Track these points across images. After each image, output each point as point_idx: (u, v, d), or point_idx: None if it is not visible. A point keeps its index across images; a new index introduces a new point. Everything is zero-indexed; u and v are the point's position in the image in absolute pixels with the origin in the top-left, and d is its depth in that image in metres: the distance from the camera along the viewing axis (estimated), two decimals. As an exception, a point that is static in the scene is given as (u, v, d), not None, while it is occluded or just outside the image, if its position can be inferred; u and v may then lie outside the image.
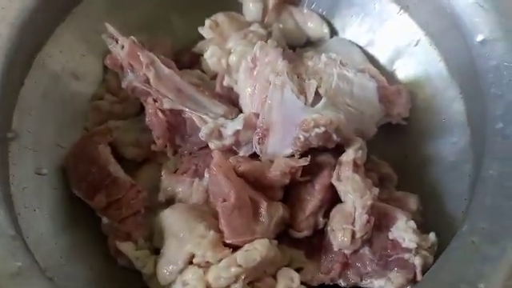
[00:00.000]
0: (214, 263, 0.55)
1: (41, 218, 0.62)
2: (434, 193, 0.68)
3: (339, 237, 0.58)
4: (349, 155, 0.61)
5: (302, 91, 0.62)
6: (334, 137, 0.61)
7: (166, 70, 0.67)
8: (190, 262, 0.57)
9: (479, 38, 0.63)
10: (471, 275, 0.49)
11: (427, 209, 0.67)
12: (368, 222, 0.57)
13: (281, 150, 0.62)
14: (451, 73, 0.71)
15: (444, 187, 0.68)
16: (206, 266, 0.56)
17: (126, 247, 0.61)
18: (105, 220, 0.65)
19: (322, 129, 0.59)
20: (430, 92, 0.74)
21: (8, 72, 0.62)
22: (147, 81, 0.67)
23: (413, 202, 0.65)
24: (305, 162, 0.60)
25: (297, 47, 0.82)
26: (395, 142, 0.74)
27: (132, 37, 0.67)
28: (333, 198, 0.62)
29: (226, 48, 0.72)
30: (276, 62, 0.64)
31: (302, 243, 0.63)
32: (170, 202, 0.67)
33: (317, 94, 0.62)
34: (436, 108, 0.73)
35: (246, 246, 0.56)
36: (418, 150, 0.73)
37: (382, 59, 0.80)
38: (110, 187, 0.65)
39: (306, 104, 0.61)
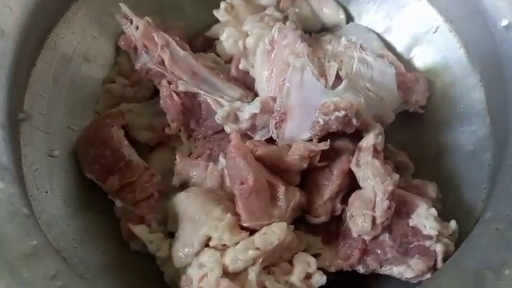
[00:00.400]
0: (231, 246, 0.54)
1: (53, 200, 0.61)
2: (452, 182, 0.67)
3: (359, 222, 0.57)
4: (369, 140, 0.59)
5: (322, 74, 0.60)
6: (354, 121, 0.60)
7: (182, 52, 0.66)
8: (207, 245, 0.56)
9: (504, 22, 0.62)
10: (496, 262, 0.48)
11: (446, 198, 0.66)
12: (389, 207, 0.56)
13: (298, 135, 0.61)
14: (471, 60, 0.70)
15: (462, 176, 0.67)
16: (223, 248, 0.55)
17: (140, 230, 0.60)
18: (118, 203, 0.64)
19: (343, 112, 0.58)
20: (449, 80, 0.73)
21: (21, 51, 0.61)
22: (162, 62, 0.65)
23: (432, 189, 0.64)
24: (325, 146, 0.59)
25: (312, 33, 0.80)
26: (412, 130, 0.73)
27: (147, 17, 0.66)
28: (351, 184, 0.61)
29: (243, 30, 0.71)
30: (295, 45, 0.63)
31: (319, 229, 0.62)
32: (184, 186, 0.66)
33: (337, 76, 0.61)
34: (455, 96, 0.72)
35: (264, 229, 0.55)
36: (435, 139, 0.72)
37: (400, 46, 0.79)
38: (123, 170, 0.64)
39: (326, 87, 0.60)
